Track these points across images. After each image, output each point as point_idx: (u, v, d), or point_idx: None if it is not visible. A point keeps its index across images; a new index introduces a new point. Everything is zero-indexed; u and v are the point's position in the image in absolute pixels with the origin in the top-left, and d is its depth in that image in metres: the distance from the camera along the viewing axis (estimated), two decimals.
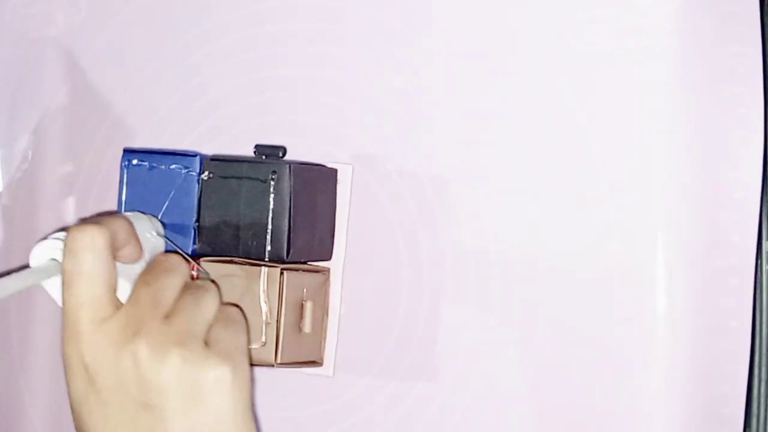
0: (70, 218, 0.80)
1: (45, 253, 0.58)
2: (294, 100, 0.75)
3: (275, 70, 0.75)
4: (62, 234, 0.58)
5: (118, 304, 0.56)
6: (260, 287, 0.66)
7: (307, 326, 0.68)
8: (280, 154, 0.69)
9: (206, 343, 0.56)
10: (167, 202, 0.69)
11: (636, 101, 0.67)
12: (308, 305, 0.68)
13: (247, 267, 0.67)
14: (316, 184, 0.70)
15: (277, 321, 0.66)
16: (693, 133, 0.67)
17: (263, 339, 0.66)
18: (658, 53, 0.67)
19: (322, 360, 0.72)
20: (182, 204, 0.69)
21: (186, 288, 0.58)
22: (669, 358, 0.66)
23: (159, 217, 0.69)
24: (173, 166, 0.69)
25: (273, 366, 0.66)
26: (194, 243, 0.69)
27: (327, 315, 0.72)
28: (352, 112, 0.73)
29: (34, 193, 0.81)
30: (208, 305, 0.58)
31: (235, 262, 0.67)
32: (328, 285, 0.72)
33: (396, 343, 0.72)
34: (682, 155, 0.67)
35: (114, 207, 0.70)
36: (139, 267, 0.60)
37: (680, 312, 0.66)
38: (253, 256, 0.67)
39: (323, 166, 0.72)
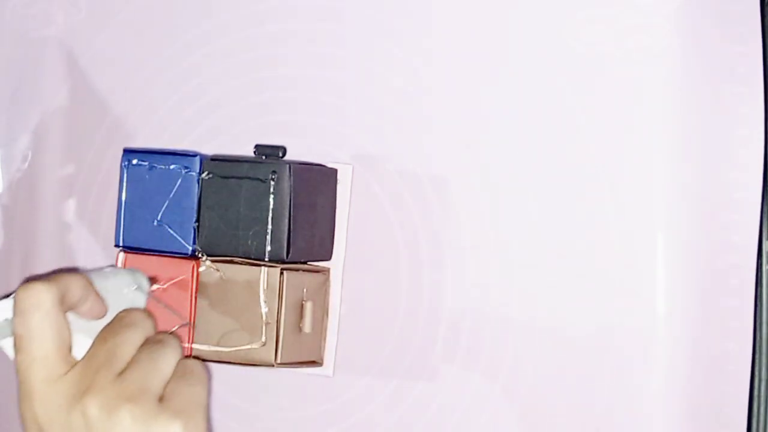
0: (70, 218, 0.80)
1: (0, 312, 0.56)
2: (294, 100, 0.75)
3: (275, 70, 0.75)
4: None
5: (71, 362, 0.55)
6: (260, 287, 0.66)
7: (307, 326, 0.68)
8: (280, 154, 0.69)
9: (161, 399, 0.54)
10: (167, 202, 0.69)
11: (636, 101, 0.67)
12: (308, 305, 0.68)
13: (247, 267, 0.67)
14: (316, 184, 0.70)
15: (277, 321, 0.66)
16: (693, 133, 0.67)
17: (263, 339, 0.66)
18: (658, 53, 0.67)
19: (322, 360, 0.72)
20: (182, 204, 0.69)
21: (145, 343, 0.57)
22: (669, 359, 0.66)
23: (159, 217, 0.69)
24: (173, 166, 0.69)
25: (273, 366, 0.66)
26: (194, 243, 0.69)
27: (327, 315, 0.72)
28: (352, 112, 0.73)
29: (34, 193, 0.81)
30: (165, 360, 0.56)
31: (235, 262, 0.67)
32: (328, 285, 0.72)
33: (396, 343, 0.72)
34: (682, 155, 0.67)
35: (114, 207, 0.70)
36: (105, 323, 0.58)
37: (681, 312, 0.66)
38: (253, 256, 0.67)
39: (323, 166, 0.72)
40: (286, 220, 0.67)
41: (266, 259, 0.67)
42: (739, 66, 0.67)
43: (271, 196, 0.67)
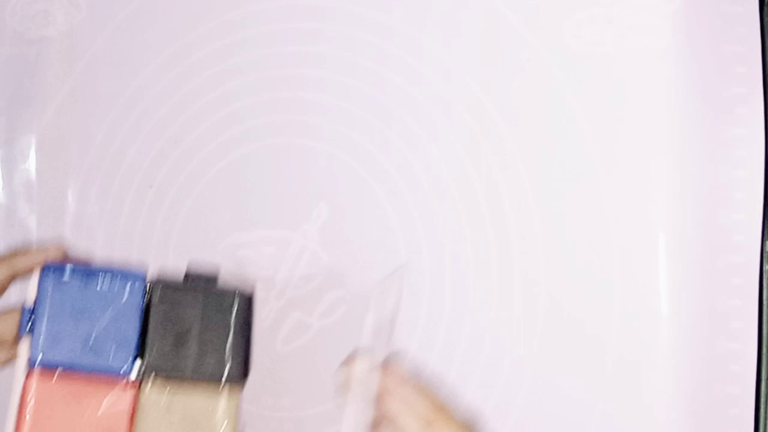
0: (70, 218, 0.80)
1: None
2: (294, 101, 0.75)
3: (275, 71, 0.75)
4: None
5: None
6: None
7: None
8: (211, 281, 0.63)
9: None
10: (102, 326, 0.60)
11: (636, 101, 0.67)
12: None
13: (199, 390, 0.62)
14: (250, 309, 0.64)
15: None
16: (693, 133, 0.67)
17: None
18: (658, 53, 0.67)
19: None
20: (122, 323, 0.60)
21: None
22: (673, 360, 0.66)
23: (94, 334, 0.60)
24: (111, 286, 0.61)
25: None
26: (131, 368, 0.61)
27: None
28: (351, 112, 0.73)
29: (34, 194, 0.81)
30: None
31: (185, 385, 0.62)
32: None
33: (396, 343, 0.72)
34: (682, 155, 0.67)
35: (114, 208, 0.70)
36: None
37: (684, 313, 0.66)
38: (207, 378, 0.62)
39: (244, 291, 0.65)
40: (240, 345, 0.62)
41: (223, 382, 0.62)
42: (739, 66, 0.67)
43: (226, 323, 0.62)
